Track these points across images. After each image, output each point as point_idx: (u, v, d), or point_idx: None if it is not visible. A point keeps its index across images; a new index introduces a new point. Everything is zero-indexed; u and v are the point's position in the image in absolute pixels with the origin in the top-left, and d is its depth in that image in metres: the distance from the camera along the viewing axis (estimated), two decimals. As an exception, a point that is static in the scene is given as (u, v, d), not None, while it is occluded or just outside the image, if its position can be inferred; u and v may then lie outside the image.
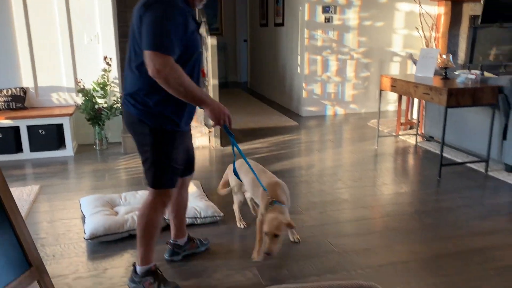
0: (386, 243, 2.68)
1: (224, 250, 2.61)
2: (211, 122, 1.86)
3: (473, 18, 6.63)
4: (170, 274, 2.36)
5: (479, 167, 4.02)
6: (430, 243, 2.68)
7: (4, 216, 1.92)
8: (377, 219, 3.03)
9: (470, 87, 3.71)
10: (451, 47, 6.83)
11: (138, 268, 2.17)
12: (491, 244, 2.66)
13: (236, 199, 2.88)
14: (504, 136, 3.87)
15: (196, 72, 2.04)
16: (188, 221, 2.84)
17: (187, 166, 2.32)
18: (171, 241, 2.50)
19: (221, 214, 3.01)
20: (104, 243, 2.69)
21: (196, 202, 3.08)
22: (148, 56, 1.79)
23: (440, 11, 6.55)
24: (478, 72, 3.92)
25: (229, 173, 2.93)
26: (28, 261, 1.96)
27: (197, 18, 2.05)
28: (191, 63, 1.98)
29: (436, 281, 2.27)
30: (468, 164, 4.11)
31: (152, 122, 1.98)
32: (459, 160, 4.20)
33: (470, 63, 6.99)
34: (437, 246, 2.64)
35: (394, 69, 6.68)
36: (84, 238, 2.70)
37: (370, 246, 2.65)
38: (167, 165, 2.05)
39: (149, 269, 2.17)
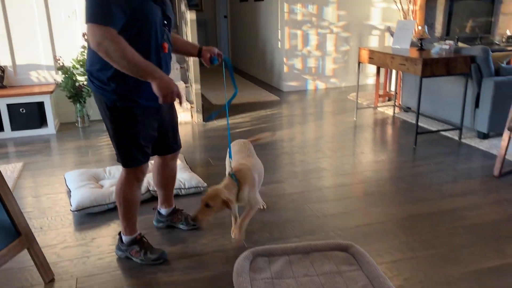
0: (363, 207, 2.81)
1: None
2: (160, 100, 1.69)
3: (449, -9, 6.73)
4: (157, 240, 2.45)
5: (453, 135, 4.18)
6: (404, 205, 2.82)
7: (-9, 187, 1.96)
8: (355, 185, 3.16)
9: (444, 57, 3.82)
10: (429, 20, 6.93)
11: (124, 238, 2.25)
12: (461, 205, 2.81)
13: None
14: (477, 105, 4.01)
15: (153, 46, 1.91)
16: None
17: (170, 143, 2.30)
18: (157, 209, 2.58)
19: (205, 184, 3.09)
20: (90, 215, 2.75)
21: (181, 174, 3.15)
22: (88, 29, 1.71)
23: (417, -16, 6.61)
24: (452, 42, 4.03)
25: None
26: (17, 230, 2.03)
27: None
28: (145, 36, 1.86)
29: (409, 239, 2.41)
30: (443, 132, 4.26)
31: (108, 99, 1.93)
32: (434, 129, 4.35)
33: (447, 35, 7.12)
34: (411, 208, 2.78)
35: (373, 42, 6.77)
36: (70, 210, 2.76)
37: (347, 210, 2.78)
38: (130, 144, 2.01)
39: (134, 239, 2.26)
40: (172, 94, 1.80)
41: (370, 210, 2.77)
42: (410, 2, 6.64)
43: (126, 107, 1.95)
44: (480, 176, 3.25)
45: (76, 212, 2.74)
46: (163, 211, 2.57)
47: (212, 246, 2.38)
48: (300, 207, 2.83)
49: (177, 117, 2.36)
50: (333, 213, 2.74)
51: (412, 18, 6.66)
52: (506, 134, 3.17)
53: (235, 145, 2.51)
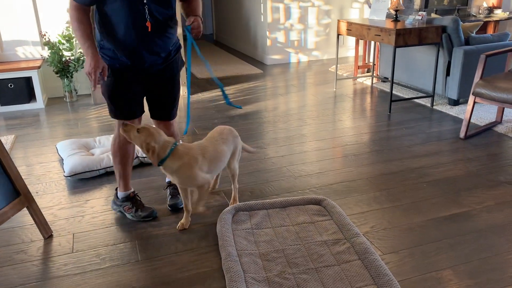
0: (337, 167, 3.04)
1: (193, 180, 2.91)
2: None
3: (428, -37, 6.85)
4: (148, 200, 2.64)
5: (426, 102, 4.41)
6: (375, 165, 3.05)
7: (-9, 151, 2.13)
8: (332, 149, 3.37)
9: (416, 27, 4.01)
10: (408, -7, 7.07)
11: (119, 194, 2.45)
12: (427, 164, 3.05)
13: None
14: (448, 73, 4.23)
15: (130, 24, 2.03)
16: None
17: (158, 110, 2.39)
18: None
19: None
20: (83, 180, 2.94)
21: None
22: None
23: (396, -44, 6.73)
24: (424, 13, 4.21)
25: None
26: (16, 190, 2.21)
27: None
28: (120, 15, 2.01)
29: (377, 194, 2.65)
30: (416, 100, 4.49)
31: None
32: (408, 97, 4.57)
33: (425, 7, 7.28)
34: (381, 167, 3.02)
35: (354, 15, 6.91)
36: (64, 176, 2.94)
37: (323, 170, 3.00)
38: (107, 97, 2.24)
39: (128, 195, 2.46)
40: (91, 70, 1.99)
41: (344, 170, 3.00)
42: (389, -26, 6.77)
43: (109, 65, 2.18)
44: (447, 139, 3.49)
45: (69, 178, 2.91)
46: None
47: (197, 204, 2.59)
48: (280, 169, 3.04)
49: (174, 92, 2.39)
50: (310, 173, 2.96)
51: (391, -9, 6.81)
52: (471, 98, 3.40)
53: (216, 129, 2.45)
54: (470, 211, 2.43)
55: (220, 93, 5.05)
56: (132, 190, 2.48)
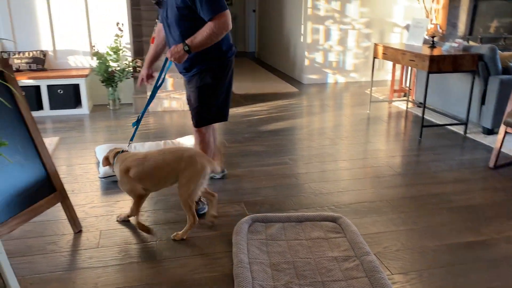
0: (358, 188, 3.08)
1: (217, 190, 3.03)
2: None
3: (474, -9, 6.79)
4: (170, 204, 2.79)
5: (459, 129, 4.35)
6: (397, 188, 3.07)
7: (34, 149, 2.35)
8: (355, 169, 3.41)
9: (452, 54, 4.00)
10: (451, 19, 7.02)
11: None
12: (450, 190, 3.03)
13: None
14: (483, 101, 4.17)
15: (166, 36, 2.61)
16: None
17: None
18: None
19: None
20: (115, 183, 3.13)
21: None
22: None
23: (441, -17, 6.72)
24: (461, 41, 4.20)
25: None
26: (53, 186, 2.41)
27: None
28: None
29: (394, 216, 2.67)
30: (450, 127, 4.44)
31: None
32: (441, 123, 4.53)
33: (469, 35, 7.18)
34: (403, 190, 3.03)
35: (395, 39, 6.92)
36: (98, 177, 3.15)
37: (344, 189, 3.05)
38: None
39: None
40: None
41: (365, 191, 3.03)
42: (433, 1, 6.76)
43: None
44: (475, 167, 3.45)
45: (103, 179, 3.12)
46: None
47: (218, 212, 2.70)
48: (302, 185, 3.12)
49: (191, 102, 2.66)
50: (330, 191, 3.01)
51: (434, 17, 6.78)
52: (502, 128, 3.36)
53: (182, 148, 2.61)
54: (488, 240, 2.41)
55: (254, 108, 5.20)
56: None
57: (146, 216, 2.67)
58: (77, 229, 2.50)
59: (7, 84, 2.22)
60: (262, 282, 2.01)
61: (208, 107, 2.65)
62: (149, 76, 2.80)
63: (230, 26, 2.38)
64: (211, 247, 2.34)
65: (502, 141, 3.36)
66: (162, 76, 2.56)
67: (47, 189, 2.39)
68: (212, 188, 3.03)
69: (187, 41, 2.37)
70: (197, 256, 2.25)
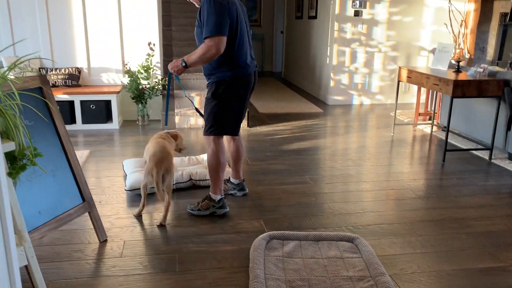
0: (378, 209, 3.10)
1: (237, 206, 3.12)
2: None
3: (503, 16, 6.75)
4: (192, 219, 2.89)
5: (484, 154, 4.31)
6: (417, 211, 3.07)
7: (66, 160, 2.50)
8: (375, 191, 3.44)
9: (477, 79, 4.00)
10: (480, 44, 6.98)
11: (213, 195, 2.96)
12: (471, 215, 3.01)
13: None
14: (509, 127, 4.13)
15: None
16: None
17: None
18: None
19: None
20: (140, 196, 3.25)
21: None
22: None
23: (469, 8, 6.72)
24: (486, 66, 4.20)
25: None
26: (82, 196, 2.55)
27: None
28: None
29: (412, 239, 2.68)
30: (474, 152, 4.40)
31: None
32: (465, 147, 4.50)
33: (499, 59, 7.11)
34: (423, 214, 3.03)
35: (421, 63, 6.93)
36: (125, 189, 3.28)
37: (363, 211, 3.07)
38: None
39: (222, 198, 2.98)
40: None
41: (384, 212, 3.05)
42: (461, 25, 6.76)
43: None
44: (498, 193, 3.41)
45: (129, 192, 3.24)
46: (234, 180, 3.28)
47: (237, 228, 2.78)
48: (321, 205, 3.16)
49: (204, 109, 2.91)
50: (349, 212, 3.05)
51: (462, 42, 6.77)
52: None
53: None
54: (507, 266, 2.39)
55: (278, 128, 5.28)
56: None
57: (167, 228, 2.77)
58: (103, 238, 2.61)
59: (45, 100, 2.38)
60: (277, 298, 2.06)
61: (216, 119, 2.82)
62: None
63: (219, 51, 2.58)
64: (229, 261, 2.41)
65: (527, 168, 3.32)
66: (170, 87, 3.01)
67: (76, 199, 2.52)
68: (229, 205, 3.11)
69: (184, 57, 2.69)
70: (216, 269, 2.32)
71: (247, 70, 2.81)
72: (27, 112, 2.23)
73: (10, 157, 1.80)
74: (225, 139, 3.11)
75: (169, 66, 2.79)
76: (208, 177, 3.40)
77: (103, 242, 2.60)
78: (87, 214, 2.59)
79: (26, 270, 1.95)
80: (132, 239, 2.64)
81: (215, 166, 2.90)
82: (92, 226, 2.67)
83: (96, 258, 2.43)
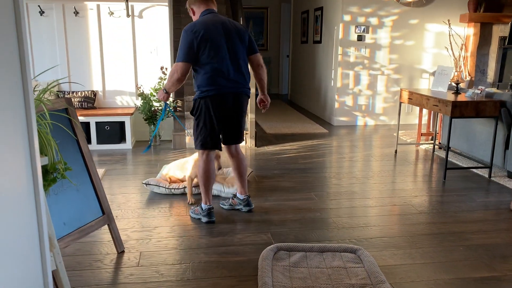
0: (380, 224, 3.25)
1: (245, 220, 3.28)
2: None
3: (502, 39, 6.98)
4: (203, 232, 3.06)
5: (484, 172, 4.46)
6: (418, 225, 3.22)
7: (88, 176, 2.70)
8: (379, 207, 3.59)
9: (474, 100, 4.19)
10: (481, 66, 7.19)
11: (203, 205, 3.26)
12: (469, 229, 3.16)
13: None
14: (507, 146, 4.29)
15: None
16: (214, 192, 3.75)
17: None
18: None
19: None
20: (155, 211, 3.43)
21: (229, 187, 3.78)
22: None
23: (469, 32, 6.97)
24: (483, 88, 4.39)
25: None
26: (102, 209, 2.73)
27: None
28: None
29: (412, 251, 2.83)
30: (474, 170, 4.55)
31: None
32: (465, 165, 4.65)
33: (499, 81, 7.30)
34: (423, 228, 3.18)
35: (423, 85, 7.13)
36: (142, 182, 3.54)
37: (366, 225, 3.23)
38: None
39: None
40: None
41: (386, 227, 3.20)
42: (461, 49, 6.98)
43: None
44: (497, 209, 3.55)
45: (144, 185, 3.52)
46: (239, 195, 3.48)
47: (245, 241, 2.94)
48: (326, 219, 3.32)
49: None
50: (353, 226, 3.20)
51: (462, 64, 6.98)
52: (522, 171, 3.47)
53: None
54: (501, 276, 2.52)
55: (284, 147, 5.48)
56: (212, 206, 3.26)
57: (180, 240, 2.94)
58: (120, 249, 2.79)
59: (72, 119, 2.60)
60: (284, 303, 2.21)
61: (196, 134, 3.18)
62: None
63: (180, 75, 3.00)
64: (239, 270, 2.56)
65: (523, 184, 3.47)
66: (164, 112, 3.51)
67: (97, 212, 2.71)
68: (237, 219, 3.28)
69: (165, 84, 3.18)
70: (226, 278, 2.48)
71: (219, 90, 3.06)
72: (54, 131, 2.44)
73: (43, 171, 2.00)
74: (227, 156, 3.38)
75: (157, 96, 3.25)
76: (216, 186, 3.78)
77: (120, 253, 2.77)
78: (104, 227, 2.77)
79: (52, 276, 2.12)
80: (148, 250, 2.81)
81: (200, 177, 3.23)
82: (108, 239, 2.86)
83: (115, 267, 2.60)
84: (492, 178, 4.32)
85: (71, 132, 2.63)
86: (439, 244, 2.92)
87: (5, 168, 1.40)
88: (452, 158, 4.98)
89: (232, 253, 2.78)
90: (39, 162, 1.65)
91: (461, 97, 4.36)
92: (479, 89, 4.37)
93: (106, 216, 2.75)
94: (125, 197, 3.75)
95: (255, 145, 5.53)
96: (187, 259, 2.69)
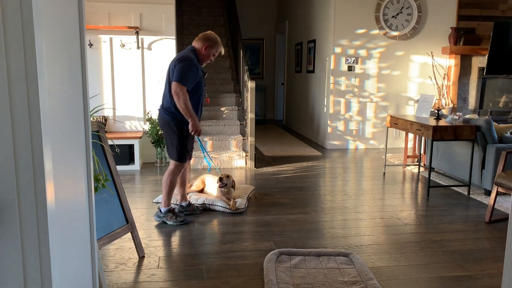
0: (369, 233, 3.66)
1: (250, 231, 3.68)
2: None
3: (481, 70, 7.57)
4: (213, 241, 3.44)
5: (464, 190, 4.91)
6: (403, 235, 3.63)
7: (115, 189, 3.10)
8: (368, 220, 4.00)
9: (453, 125, 4.68)
10: (462, 94, 7.75)
11: (162, 209, 3.69)
12: (448, 238, 3.58)
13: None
14: (483, 166, 4.76)
15: (200, 100, 3.72)
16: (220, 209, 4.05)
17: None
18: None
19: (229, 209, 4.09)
20: (168, 224, 3.81)
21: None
22: (175, 84, 3.49)
23: (451, 63, 7.55)
24: (461, 114, 4.89)
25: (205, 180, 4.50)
26: (126, 218, 3.12)
27: (203, 71, 3.72)
28: (198, 95, 3.65)
29: (397, 256, 3.23)
30: (455, 188, 5.00)
31: (176, 123, 3.63)
32: (446, 184, 5.09)
33: (480, 108, 7.86)
34: (407, 237, 3.59)
35: (410, 111, 7.66)
36: (153, 201, 3.98)
37: (357, 234, 3.63)
38: (183, 148, 3.72)
39: (169, 209, 3.69)
40: (197, 131, 3.61)
41: (375, 236, 3.61)
42: (444, 78, 7.55)
43: (186, 129, 3.56)
44: (473, 221, 3.98)
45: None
46: (183, 203, 3.99)
47: (251, 247, 3.33)
48: (321, 230, 3.72)
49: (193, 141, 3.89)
50: (345, 235, 3.61)
51: (445, 93, 7.53)
52: (494, 188, 3.93)
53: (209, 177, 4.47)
54: (473, 275, 2.93)
55: (281, 168, 5.90)
56: (172, 205, 3.69)
57: (193, 247, 3.31)
58: (141, 254, 3.16)
59: (102, 141, 3.02)
60: (287, 295, 2.60)
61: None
62: None
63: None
64: (247, 271, 2.95)
65: (495, 199, 3.92)
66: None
67: (122, 220, 3.10)
68: (243, 230, 3.68)
69: None
70: (236, 277, 2.86)
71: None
72: (90, 150, 2.85)
73: (87, 181, 2.40)
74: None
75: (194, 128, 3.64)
76: (216, 202, 4.19)
77: (141, 257, 3.15)
78: (125, 236, 3.15)
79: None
80: (166, 255, 3.19)
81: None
82: (129, 247, 3.24)
83: (137, 269, 2.98)
84: (470, 195, 4.76)
85: (99, 151, 3.05)
86: (421, 250, 3.33)
87: (75, 179, 1.82)
88: (435, 178, 5.43)
89: (240, 257, 3.16)
90: (92, 175, 2.06)
91: (442, 122, 4.84)
92: (457, 115, 4.86)
93: (129, 225, 3.13)
94: (139, 211, 4.13)
95: (255, 166, 5.95)
96: (201, 262, 3.07)
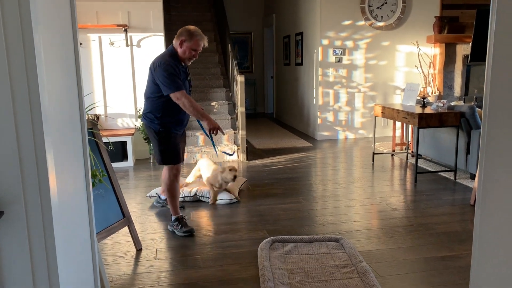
0: (359, 219, 3.78)
1: (243, 221, 3.78)
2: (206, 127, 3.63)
3: (465, 57, 7.71)
4: (208, 232, 3.54)
5: (450, 175, 5.05)
6: (391, 220, 3.76)
7: (111, 185, 3.18)
8: (358, 206, 4.13)
9: (438, 112, 4.81)
10: (448, 82, 7.90)
11: (172, 217, 3.60)
12: (434, 221, 3.71)
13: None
14: (468, 151, 4.90)
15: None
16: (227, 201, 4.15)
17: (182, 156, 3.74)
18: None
19: (236, 199, 4.19)
20: (162, 218, 3.90)
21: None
22: (174, 95, 3.34)
23: (436, 51, 7.69)
24: (445, 101, 5.02)
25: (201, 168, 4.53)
26: (122, 212, 3.21)
27: (187, 72, 3.56)
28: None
29: (386, 239, 3.36)
30: (442, 173, 5.15)
31: (153, 127, 3.50)
32: (433, 170, 5.24)
33: (465, 95, 8.01)
34: (396, 221, 3.72)
35: (397, 100, 7.79)
36: (146, 196, 4.09)
37: (348, 221, 3.76)
38: (169, 151, 3.54)
39: (177, 217, 3.57)
40: (215, 128, 3.43)
41: (365, 221, 3.73)
42: (429, 67, 7.69)
43: (165, 131, 3.48)
44: (459, 204, 4.13)
45: (148, 197, 4.03)
46: (163, 196, 4.04)
47: (245, 236, 3.44)
48: (313, 218, 3.84)
49: (185, 141, 3.88)
50: (336, 222, 3.73)
51: (431, 81, 7.68)
52: (478, 171, 4.06)
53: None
54: (458, 255, 3.07)
55: (273, 160, 6.01)
56: (180, 214, 3.61)
57: (189, 239, 3.41)
58: (139, 247, 3.25)
59: (96, 138, 3.09)
60: (281, 280, 2.71)
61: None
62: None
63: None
64: (242, 259, 3.06)
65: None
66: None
67: (118, 215, 3.18)
68: (238, 221, 3.78)
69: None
70: (232, 265, 2.97)
71: None
72: (85, 147, 2.93)
73: (84, 177, 2.49)
74: None
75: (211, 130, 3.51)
76: (207, 194, 4.31)
77: (139, 250, 3.24)
78: (125, 228, 3.24)
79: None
80: (162, 247, 3.28)
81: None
82: (126, 240, 3.32)
83: (136, 261, 3.07)
84: (457, 180, 4.91)
85: (94, 149, 3.12)
86: (408, 233, 3.46)
87: (74, 175, 1.90)
88: (423, 164, 5.57)
89: (234, 246, 3.27)
90: (90, 170, 2.14)
91: (427, 110, 4.97)
92: (441, 102, 5.00)
93: (126, 219, 3.22)
94: (134, 207, 4.22)
95: (247, 159, 6.04)
96: (197, 253, 3.17)
